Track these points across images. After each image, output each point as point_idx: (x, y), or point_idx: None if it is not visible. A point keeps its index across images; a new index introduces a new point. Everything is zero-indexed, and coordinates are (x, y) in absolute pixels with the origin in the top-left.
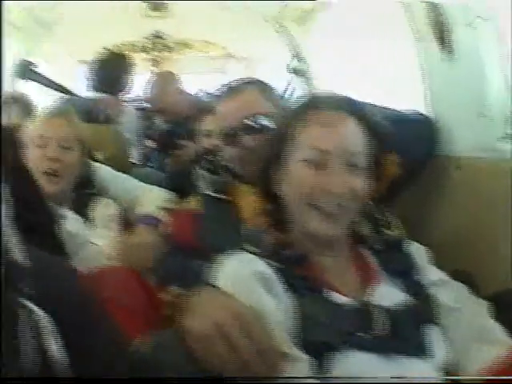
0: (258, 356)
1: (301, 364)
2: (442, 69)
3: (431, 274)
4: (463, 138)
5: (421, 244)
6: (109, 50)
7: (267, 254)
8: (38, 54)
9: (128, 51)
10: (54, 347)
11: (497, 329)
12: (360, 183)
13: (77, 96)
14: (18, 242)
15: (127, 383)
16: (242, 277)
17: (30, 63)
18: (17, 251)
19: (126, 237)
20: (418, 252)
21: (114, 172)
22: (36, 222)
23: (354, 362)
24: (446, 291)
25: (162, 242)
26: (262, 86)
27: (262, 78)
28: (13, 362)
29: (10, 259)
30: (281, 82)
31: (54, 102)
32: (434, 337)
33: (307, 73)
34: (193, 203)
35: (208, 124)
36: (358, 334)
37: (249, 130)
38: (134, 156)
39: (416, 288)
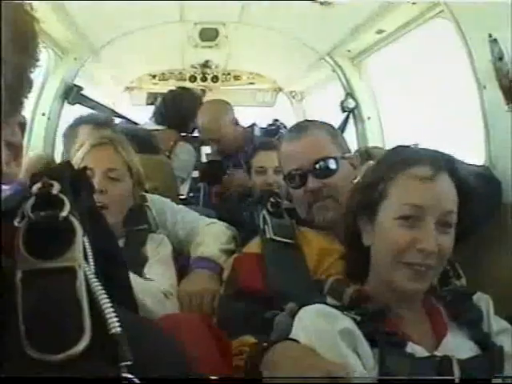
0: None
1: None
2: (505, 119)
3: (495, 323)
4: None
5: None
6: (183, 87)
7: (347, 307)
8: (84, 77)
9: (176, 79)
10: None
11: None
12: (450, 242)
13: (129, 121)
14: (109, 305)
15: None
16: (327, 334)
17: (79, 87)
18: (111, 317)
19: (185, 283)
20: (484, 302)
21: (172, 203)
22: (114, 274)
23: None
24: (510, 339)
25: (223, 288)
26: (329, 129)
27: (311, 114)
28: None
29: (102, 328)
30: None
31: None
32: None
33: (360, 113)
34: (255, 247)
35: (261, 161)
36: None
37: (317, 172)
38: (183, 191)
39: (484, 338)
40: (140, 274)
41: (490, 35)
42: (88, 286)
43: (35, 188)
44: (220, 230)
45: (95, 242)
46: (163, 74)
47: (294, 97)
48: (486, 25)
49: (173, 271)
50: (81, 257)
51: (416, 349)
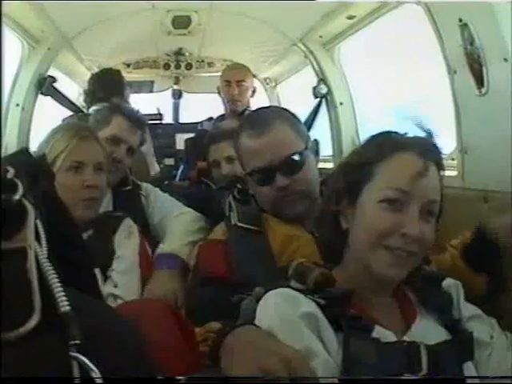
0: None
1: None
2: (476, 104)
3: (466, 310)
4: (492, 173)
5: None
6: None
7: (311, 291)
8: (58, 67)
9: (150, 68)
10: None
11: None
12: (432, 231)
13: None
14: (59, 285)
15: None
16: (289, 318)
17: (52, 78)
18: (60, 297)
19: (148, 290)
20: (454, 287)
21: (158, 190)
22: (73, 259)
23: None
24: (480, 326)
25: (190, 277)
26: (291, 121)
27: (284, 101)
28: None
29: (51, 308)
30: (304, 106)
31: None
32: (470, 374)
33: (332, 99)
34: (220, 233)
35: (213, 154)
36: (407, 374)
37: (284, 170)
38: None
39: (454, 324)
40: (108, 266)
41: (461, 19)
42: (39, 267)
43: None
44: (186, 222)
45: (55, 227)
46: (137, 62)
47: (267, 83)
48: (456, 9)
49: (135, 276)
50: (32, 239)
51: (384, 333)
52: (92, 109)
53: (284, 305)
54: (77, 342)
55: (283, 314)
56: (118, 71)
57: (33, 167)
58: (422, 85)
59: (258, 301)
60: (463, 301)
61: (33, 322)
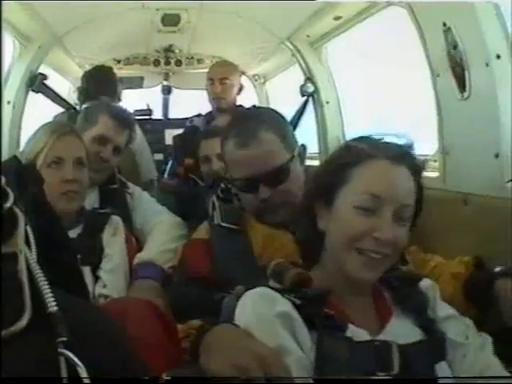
0: None
1: None
2: (458, 107)
3: (442, 310)
4: (473, 176)
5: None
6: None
7: (288, 291)
8: (49, 65)
9: (140, 64)
10: None
11: (498, 366)
12: (405, 235)
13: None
14: (47, 287)
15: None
16: (265, 316)
17: (43, 75)
18: (48, 298)
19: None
20: (431, 288)
21: (147, 194)
22: (60, 261)
23: None
24: (455, 327)
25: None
26: (279, 128)
27: (273, 98)
28: None
29: (40, 308)
30: (292, 103)
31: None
32: (444, 374)
33: (319, 97)
34: (204, 232)
35: (205, 150)
36: (379, 373)
37: (268, 182)
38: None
39: (428, 324)
40: (97, 265)
41: (445, 24)
42: (29, 270)
43: None
44: (167, 229)
45: (43, 230)
46: (128, 58)
47: (256, 80)
48: (440, 12)
49: (122, 275)
50: (22, 244)
51: (358, 332)
52: (83, 106)
53: (261, 303)
54: (63, 339)
55: (260, 312)
56: (111, 68)
57: (23, 175)
58: (407, 86)
59: (238, 299)
60: (439, 301)
61: (24, 321)
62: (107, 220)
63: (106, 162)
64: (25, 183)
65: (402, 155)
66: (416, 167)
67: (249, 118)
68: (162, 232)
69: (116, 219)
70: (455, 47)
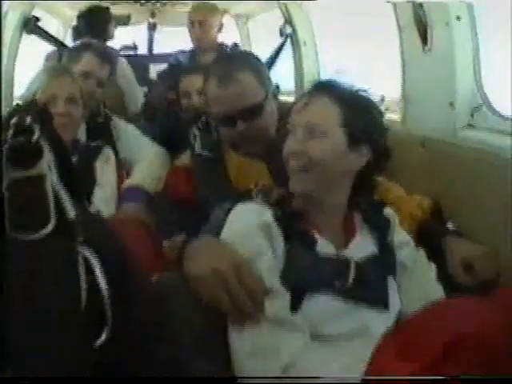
0: (247, 294)
1: (281, 300)
2: (420, 60)
3: (400, 236)
4: (430, 121)
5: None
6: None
7: (274, 205)
8: (42, 6)
9: (127, 2)
10: (103, 284)
11: (440, 291)
12: (321, 149)
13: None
14: (67, 198)
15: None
16: (247, 225)
17: (36, 18)
18: (68, 207)
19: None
20: (392, 215)
21: (133, 127)
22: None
23: (322, 303)
24: (408, 252)
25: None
26: (255, 69)
27: (254, 37)
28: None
29: (63, 216)
30: (271, 43)
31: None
32: (392, 289)
33: (297, 38)
34: (185, 159)
35: (185, 86)
36: (335, 281)
37: (244, 117)
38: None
39: (385, 244)
40: (91, 193)
41: None
42: (53, 187)
43: (13, 120)
44: (152, 158)
45: (56, 157)
46: None
47: (239, 19)
48: None
49: (113, 202)
50: (46, 167)
51: (326, 246)
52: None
53: (246, 214)
54: (81, 239)
55: (243, 221)
56: (106, 8)
57: (42, 114)
58: (378, 38)
59: (226, 213)
60: (399, 229)
61: (50, 226)
62: (99, 151)
63: (91, 95)
64: (44, 120)
65: (324, 87)
66: (341, 97)
67: (229, 59)
68: (148, 161)
69: (107, 151)
70: (421, 5)
